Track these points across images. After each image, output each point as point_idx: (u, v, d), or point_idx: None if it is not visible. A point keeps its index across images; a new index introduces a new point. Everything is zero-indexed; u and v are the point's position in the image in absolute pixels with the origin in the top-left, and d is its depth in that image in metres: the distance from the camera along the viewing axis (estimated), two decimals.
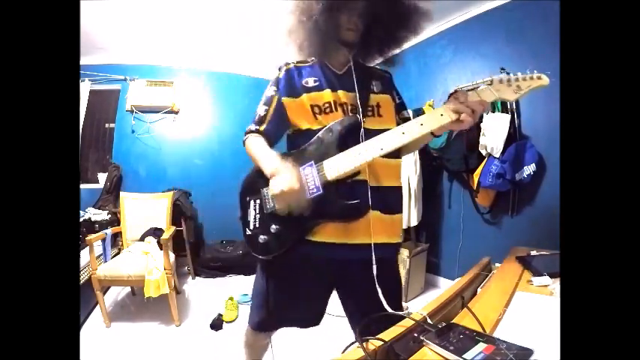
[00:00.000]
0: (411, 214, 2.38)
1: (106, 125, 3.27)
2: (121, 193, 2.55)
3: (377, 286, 0.79)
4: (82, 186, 3.00)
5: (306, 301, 0.93)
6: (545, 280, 0.91)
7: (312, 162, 0.81)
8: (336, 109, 0.87)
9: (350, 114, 0.87)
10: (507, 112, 2.08)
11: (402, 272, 2.34)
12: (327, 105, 0.87)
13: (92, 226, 2.49)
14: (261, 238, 0.86)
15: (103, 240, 2.16)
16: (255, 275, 0.99)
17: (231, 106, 3.49)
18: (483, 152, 2.12)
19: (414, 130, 0.74)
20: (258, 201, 0.89)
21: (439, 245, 2.64)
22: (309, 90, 0.89)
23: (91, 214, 2.61)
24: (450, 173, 2.51)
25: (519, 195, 2.10)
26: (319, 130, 0.85)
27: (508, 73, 0.76)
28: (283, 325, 0.99)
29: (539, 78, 0.73)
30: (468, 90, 0.77)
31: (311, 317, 0.96)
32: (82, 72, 2.88)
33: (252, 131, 0.92)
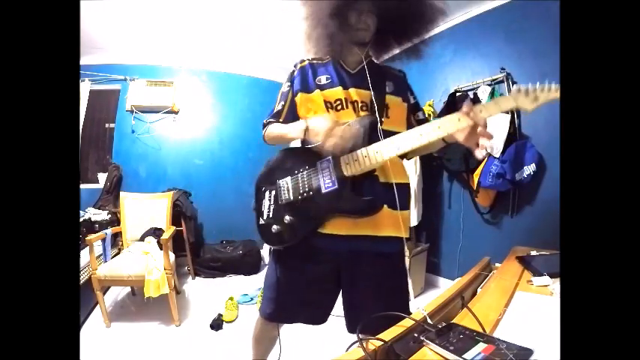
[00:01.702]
0: (410, 214, 2.37)
1: (106, 125, 3.27)
2: (121, 193, 2.54)
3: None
4: (82, 186, 3.00)
5: (315, 294, 0.95)
6: (545, 280, 0.91)
7: (330, 157, 0.85)
8: (347, 107, 0.90)
9: (361, 112, 0.89)
10: (507, 112, 2.08)
11: None
12: (338, 102, 0.90)
13: (92, 226, 2.49)
14: (275, 228, 0.88)
15: (103, 240, 2.16)
16: (266, 267, 1.03)
17: (231, 106, 3.48)
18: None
19: (431, 132, 0.75)
20: (273, 192, 0.93)
21: (439, 245, 2.64)
22: (322, 87, 0.93)
23: (91, 214, 2.61)
24: (450, 173, 2.51)
25: (519, 195, 2.10)
26: None
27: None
28: (292, 318, 1.00)
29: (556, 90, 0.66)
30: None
31: (318, 313, 0.98)
32: (82, 72, 2.87)
33: (270, 122, 0.97)
